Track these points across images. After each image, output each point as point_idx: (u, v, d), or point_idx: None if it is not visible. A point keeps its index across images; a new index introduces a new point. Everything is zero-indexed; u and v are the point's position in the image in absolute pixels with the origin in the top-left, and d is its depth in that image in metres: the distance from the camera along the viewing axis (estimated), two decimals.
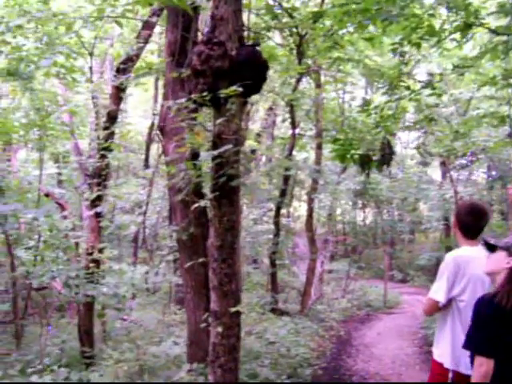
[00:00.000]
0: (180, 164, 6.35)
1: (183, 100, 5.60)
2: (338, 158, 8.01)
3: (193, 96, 5.26)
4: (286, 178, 14.41)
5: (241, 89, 5.00)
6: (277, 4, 10.39)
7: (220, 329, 5.48)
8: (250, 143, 20.73)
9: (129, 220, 16.12)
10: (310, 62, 14.00)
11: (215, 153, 5.08)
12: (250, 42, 5.59)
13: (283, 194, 14.24)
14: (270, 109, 20.61)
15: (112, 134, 10.44)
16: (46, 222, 9.85)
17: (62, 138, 15.94)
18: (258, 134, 21.00)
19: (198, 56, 5.26)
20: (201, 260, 6.76)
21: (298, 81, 13.64)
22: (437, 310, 4.38)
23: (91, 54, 13.38)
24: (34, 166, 18.87)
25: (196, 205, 5.84)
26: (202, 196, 6.77)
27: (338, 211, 25.37)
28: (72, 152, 18.89)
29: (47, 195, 15.74)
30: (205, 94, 5.14)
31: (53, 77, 13.98)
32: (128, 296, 9.74)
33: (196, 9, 6.48)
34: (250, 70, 5.34)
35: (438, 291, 4.29)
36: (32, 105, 15.24)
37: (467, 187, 21.54)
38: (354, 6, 7.35)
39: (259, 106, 21.25)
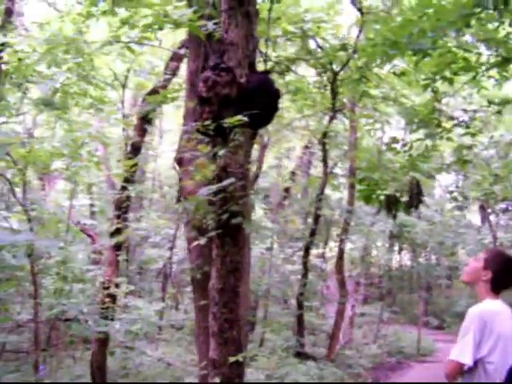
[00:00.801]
0: (192, 198, 5.87)
1: (189, 128, 5.16)
2: (363, 199, 7.44)
3: (196, 125, 4.80)
4: (317, 218, 13.82)
5: (246, 118, 4.52)
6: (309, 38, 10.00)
7: (218, 380, 4.90)
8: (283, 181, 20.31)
9: (157, 254, 15.74)
10: (344, 100, 13.58)
11: (214, 187, 4.58)
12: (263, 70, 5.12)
13: (313, 233, 13.65)
14: (306, 147, 20.14)
15: (135, 165, 10.08)
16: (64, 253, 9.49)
17: (94, 169, 15.74)
18: (293, 173, 20.53)
19: (204, 82, 4.81)
20: None
21: (332, 119, 13.17)
22: (461, 373, 3.70)
23: (124, 86, 13.19)
24: (67, 197, 18.66)
25: (196, 243, 5.34)
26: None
27: (373, 253, 24.51)
28: (105, 183, 18.74)
29: (77, 225, 15.49)
30: (207, 122, 4.67)
31: (85, 108, 13.84)
32: (141, 333, 9.24)
33: (210, 36, 6.06)
34: (260, 99, 4.87)
35: (463, 352, 3.60)
36: (66, 136, 15.09)
37: (507, 233, 20.53)
38: (382, 39, 6.87)
39: (295, 143, 20.85)
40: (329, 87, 12.08)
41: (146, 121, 9.90)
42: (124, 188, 9.76)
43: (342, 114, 13.78)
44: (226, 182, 4.60)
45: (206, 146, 5.05)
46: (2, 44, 10.22)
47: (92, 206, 18.78)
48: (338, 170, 19.23)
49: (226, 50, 4.92)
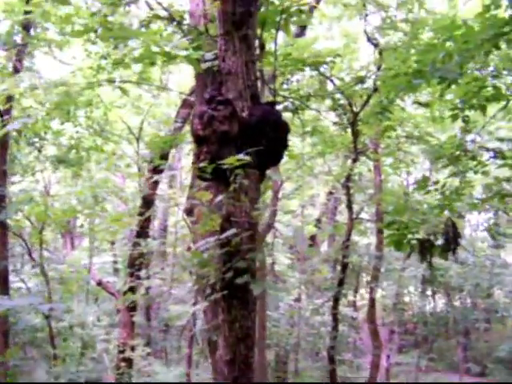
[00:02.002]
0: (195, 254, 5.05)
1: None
2: (392, 244, 6.55)
3: (192, 167, 4.02)
4: (344, 266, 12.84)
5: (248, 157, 3.74)
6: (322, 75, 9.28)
7: None
8: (309, 228, 19.42)
9: (181, 310, 14.84)
10: (366, 141, 12.79)
11: (212, 240, 3.77)
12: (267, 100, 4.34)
13: (341, 283, 12.65)
14: (330, 193, 19.27)
15: (147, 219, 9.34)
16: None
17: (114, 225, 15.12)
18: (319, 220, 19.63)
19: (200, 118, 4.05)
20: None
21: (355, 161, 12.33)
22: None
23: (138, 139, 12.62)
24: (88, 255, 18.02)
25: (197, 307, 4.49)
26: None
27: (405, 299, 23.21)
28: (127, 239, 18.05)
29: (99, 284, 14.80)
30: (204, 164, 3.89)
31: (99, 164, 13.30)
32: None
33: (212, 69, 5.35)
34: (265, 135, 4.08)
35: None
36: (84, 192, 14.56)
37: None
38: (404, 68, 6.10)
39: (319, 190, 20.04)
40: (349, 128, 11.34)
41: (157, 172, 9.18)
42: (136, 244, 8.98)
43: (364, 156, 12.94)
44: (227, 234, 3.79)
45: (205, 193, 4.27)
46: (9, 99, 9.73)
47: (115, 262, 18.07)
48: (364, 215, 18.31)
49: (223, 80, 4.18)
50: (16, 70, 9.97)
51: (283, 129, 4.18)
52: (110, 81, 6.26)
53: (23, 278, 12.66)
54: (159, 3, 5.14)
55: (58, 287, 14.40)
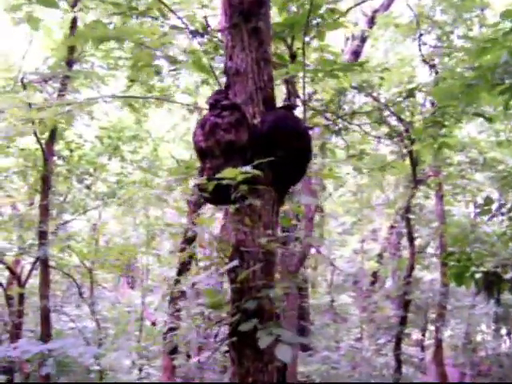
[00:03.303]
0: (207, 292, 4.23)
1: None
2: (453, 278, 5.55)
3: (193, 185, 3.25)
4: (407, 303, 11.68)
5: (256, 171, 2.93)
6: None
7: None
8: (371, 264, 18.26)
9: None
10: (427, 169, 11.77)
11: (210, 274, 2.95)
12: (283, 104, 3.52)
13: (403, 322, 11.47)
14: (392, 227, 18.08)
15: (191, 256, 8.62)
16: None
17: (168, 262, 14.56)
18: (380, 255, 18.43)
19: (201, 128, 3.29)
20: None
21: (414, 191, 11.29)
22: None
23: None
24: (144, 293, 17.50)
25: (203, 356, 3.54)
26: None
27: (477, 338, 21.42)
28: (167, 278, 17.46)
29: (154, 324, 14.19)
30: (203, 182, 3.11)
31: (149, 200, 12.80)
32: None
33: None
34: (281, 145, 3.27)
35: None
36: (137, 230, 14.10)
37: None
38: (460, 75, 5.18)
39: (381, 224, 18.92)
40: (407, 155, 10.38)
41: (197, 206, 8.48)
42: (178, 282, 8.26)
43: (425, 185, 11.86)
44: (228, 266, 2.97)
45: (204, 219, 3.48)
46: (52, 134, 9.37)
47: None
48: (429, 249, 17.02)
49: (231, 81, 3.41)
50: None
51: (303, 137, 3.34)
52: (116, 96, 5.61)
53: (73, 319, 12.12)
54: (173, 12, 4.45)
55: (112, 327, 13.87)
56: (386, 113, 7.70)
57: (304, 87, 4.40)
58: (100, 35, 3.43)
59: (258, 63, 3.38)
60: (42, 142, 9.34)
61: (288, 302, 6.65)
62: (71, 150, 10.02)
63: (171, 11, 4.44)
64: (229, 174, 2.87)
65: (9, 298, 12.10)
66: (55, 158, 10.01)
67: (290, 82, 4.67)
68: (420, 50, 9.75)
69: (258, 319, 3.02)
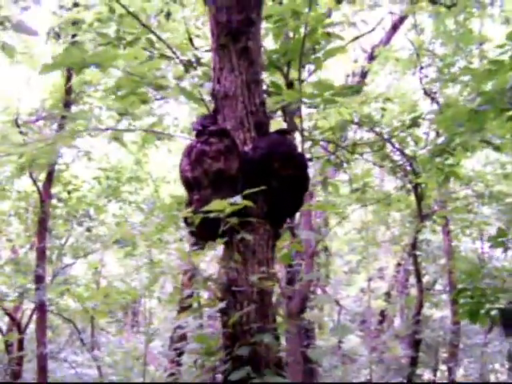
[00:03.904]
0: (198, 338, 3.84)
1: None
2: (466, 316, 5.15)
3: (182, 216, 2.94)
4: (417, 343, 11.17)
5: (246, 201, 2.61)
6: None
7: None
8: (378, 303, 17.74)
9: None
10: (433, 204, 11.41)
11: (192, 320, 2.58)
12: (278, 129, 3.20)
13: (414, 362, 10.95)
14: (399, 264, 17.63)
15: (190, 296, 8.21)
16: None
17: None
18: (388, 293, 17.91)
19: (187, 156, 2.97)
20: None
21: (420, 225, 10.91)
22: None
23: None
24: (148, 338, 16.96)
25: None
26: None
27: (491, 378, 20.66)
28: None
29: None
30: (187, 213, 2.78)
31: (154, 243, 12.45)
32: None
33: None
34: (274, 173, 2.94)
35: None
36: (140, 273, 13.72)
37: None
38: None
39: (387, 261, 18.48)
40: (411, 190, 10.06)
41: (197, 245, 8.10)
42: (178, 326, 7.83)
43: (431, 220, 11.47)
44: (220, 306, 2.61)
45: (196, 255, 3.14)
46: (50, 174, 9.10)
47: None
48: (437, 286, 16.54)
49: (219, 106, 3.11)
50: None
51: (298, 164, 3.01)
52: (102, 129, 5.28)
53: (74, 366, 11.65)
54: (163, 41, 4.20)
55: (114, 373, 13.34)
56: (389, 147, 7.38)
57: (301, 116, 4.10)
58: (76, 60, 3.16)
59: (248, 86, 3.08)
60: (40, 184, 9.11)
61: (290, 345, 6.22)
62: (69, 192, 9.73)
63: (160, 39, 4.19)
64: (216, 206, 2.55)
65: (8, 345, 11.69)
66: (53, 200, 9.73)
67: (286, 112, 4.38)
68: (421, 82, 9.53)
69: (252, 367, 2.64)
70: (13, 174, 8.85)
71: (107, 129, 4.58)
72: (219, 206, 2.56)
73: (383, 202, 10.24)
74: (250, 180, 2.90)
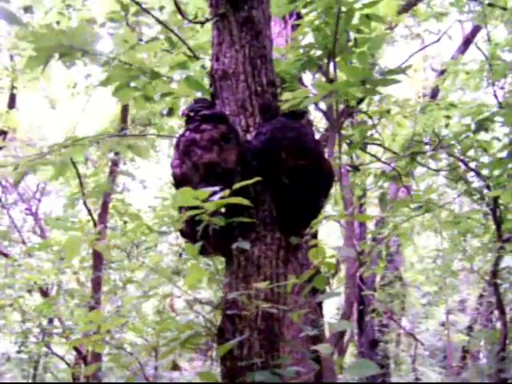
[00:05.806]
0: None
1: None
2: None
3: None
4: (503, 383, 9.97)
5: (243, 199, 1.97)
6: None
7: None
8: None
9: None
10: None
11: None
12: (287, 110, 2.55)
13: None
14: (481, 296, 16.23)
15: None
16: None
17: None
18: (470, 327, 16.50)
19: (176, 147, 2.37)
20: None
21: (499, 249, 9.81)
22: None
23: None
24: None
25: None
26: None
27: None
28: None
29: None
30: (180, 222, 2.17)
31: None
32: None
33: None
34: (282, 165, 2.29)
35: None
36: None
37: None
38: None
39: (469, 293, 17.14)
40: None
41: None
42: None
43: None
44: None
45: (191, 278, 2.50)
46: (105, 206, 8.79)
47: None
48: None
49: (217, 87, 2.51)
50: (111, 173, 9.04)
51: (312, 152, 2.33)
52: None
53: None
54: (183, 41, 3.68)
55: None
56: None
57: (337, 110, 3.44)
58: (53, 44, 2.66)
59: (252, 62, 2.46)
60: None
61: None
62: (125, 222, 9.38)
63: (180, 39, 3.67)
64: (185, 199, 1.90)
65: (75, 379, 11.43)
66: (108, 229, 9.41)
67: (321, 110, 3.72)
68: (495, 95, 8.60)
69: None
70: (67, 204, 8.62)
71: (117, 135, 4.06)
72: (210, 205, 1.92)
73: (458, 227, 9.26)
74: (252, 174, 2.25)
